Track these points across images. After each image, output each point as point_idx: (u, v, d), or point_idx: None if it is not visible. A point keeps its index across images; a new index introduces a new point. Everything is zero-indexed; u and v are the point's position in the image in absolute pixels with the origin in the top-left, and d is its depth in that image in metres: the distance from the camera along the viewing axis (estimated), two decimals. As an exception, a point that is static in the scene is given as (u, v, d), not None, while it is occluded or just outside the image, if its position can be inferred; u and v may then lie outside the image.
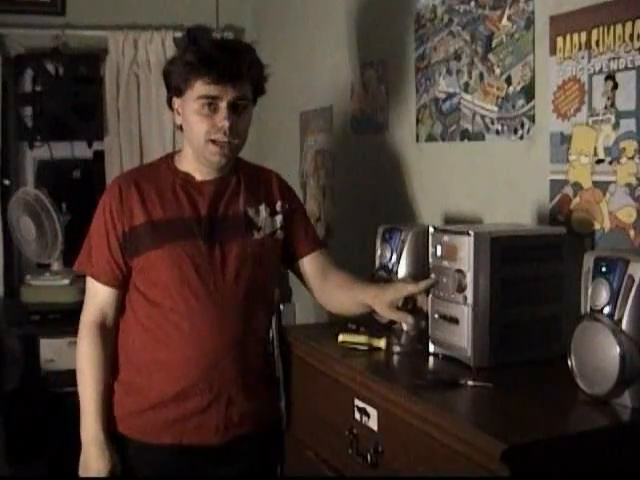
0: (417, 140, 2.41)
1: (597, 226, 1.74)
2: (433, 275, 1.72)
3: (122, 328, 1.97)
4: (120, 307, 1.96)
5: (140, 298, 1.92)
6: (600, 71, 1.71)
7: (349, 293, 1.95)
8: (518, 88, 1.96)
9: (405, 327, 1.92)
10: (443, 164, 2.30)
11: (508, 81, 1.99)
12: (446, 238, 1.68)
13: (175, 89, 1.92)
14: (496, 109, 2.04)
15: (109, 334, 1.95)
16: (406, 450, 1.49)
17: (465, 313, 1.61)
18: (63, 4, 3.69)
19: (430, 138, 2.34)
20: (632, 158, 1.64)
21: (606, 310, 1.37)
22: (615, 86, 1.68)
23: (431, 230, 1.74)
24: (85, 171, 3.92)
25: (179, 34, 3.66)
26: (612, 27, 1.68)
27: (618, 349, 1.33)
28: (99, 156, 3.80)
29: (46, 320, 3.32)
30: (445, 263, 1.67)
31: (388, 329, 1.95)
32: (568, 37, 1.79)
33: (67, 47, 3.62)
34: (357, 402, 1.66)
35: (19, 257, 3.73)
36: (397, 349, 1.80)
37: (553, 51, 1.84)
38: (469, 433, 1.29)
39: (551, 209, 1.87)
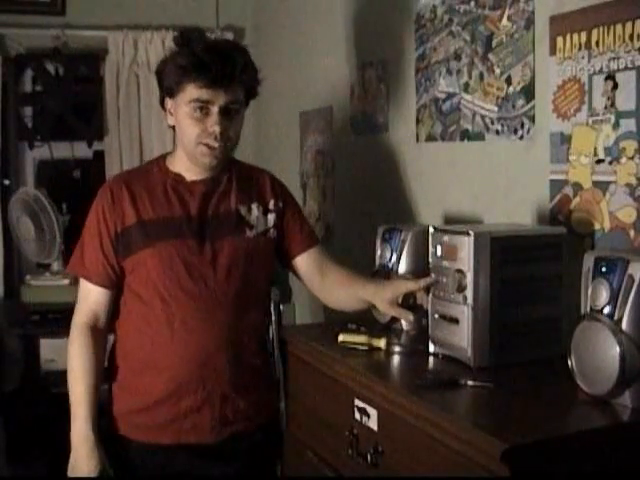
0: (417, 140, 2.41)
1: (597, 226, 1.74)
2: (433, 275, 1.72)
3: (117, 329, 1.98)
4: (112, 309, 1.97)
5: (133, 299, 1.93)
6: (600, 71, 1.71)
7: (349, 290, 1.95)
8: (518, 88, 1.96)
9: (405, 324, 1.92)
10: (443, 164, 2.30)
11: (508, 81, 1.99)
12: (446, 238, 1.68)
13: (167, 90, 1.92)
14: (496, 109, 2.04)
15: (100, 335, 1.96)
16: (406, 450, 1.49)
17: (465, 313, 1.61)
18: (63, 4, 3.69)
19: (430, 138, 2.34)
20: (632, 158, 1.65)
21: (606, 310, 1.37)
22: (615, 86, 1.68)
23: (431, 230, 1.74)
24: (85, 171, 3.92)
25: (176, 35, 3.66)
26: (612, 27, 1.68)
27: (618, 349, 1.33)
28: (99, 156, 3.80)
29: (46, 320, 3.32)
30: (445, 263, 1.67)
31: (388, 329, 1.95)
32: (568, 37, 1.79)
33: (67, 47, 3.62)
34: (357, 402, 1.66)
35: (19, 257, 3.73)
36: (397, 349, 1.81)
37: (553, 51, 1.84)
38: (469, 433, 1.29)
39: (551, 209, 1.87)
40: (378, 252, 2.06)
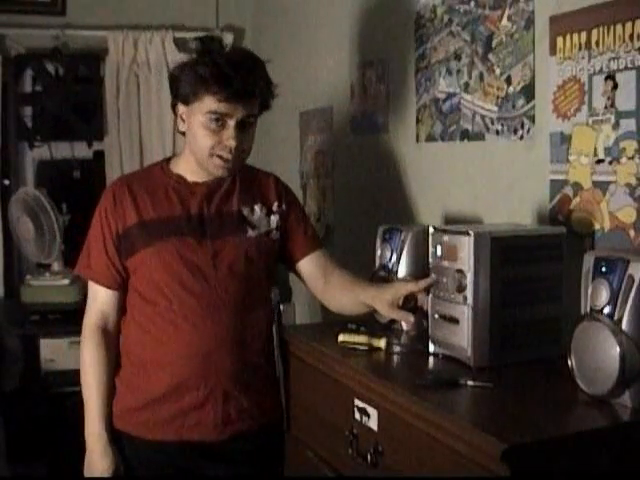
0: (417, 140, 2.41)
1: (597, 226, 1.74)
2: (433, 275, 1.72)
3: (122, 327, 2.00)
4: (121, 309, 1.99)
5: (136, 297, 1.95)
6: (600, 71, 1.71)
7: (350, 294, 1.96)
8: (518, 88, 1.96)
9: (406, 326, 1.92)
10: (443, 164, 2.30)
11: (508, 81, 1.99)
12: (446, 238, 1.68)
13: (182, 97, 1.90)
14: (496, 109, 2.04)
15: (111, 336, 1.99)
16: (406, 450, 1.49)
17: (465, 313, 1.61)
18: (63, 4, 3.69)
19: (430, 138, 2.34)
20: (632, 158, 1.65)
21: (606, 310, 1.37)
22: (615, 86, 1.68)
23: (431, 230, 1.74)
24: (85, 171, 3.92)
25: (179, 34, 3.66)
26: (612, 27, 1.68)
27: (618, 349, 1.33)
28: (99, 156, 3.80)
29: (46, 320, 3.32)
30: (445, 263, 1.67)
31: (388, 329, 1.95)
32: (568, 37, 1.79)
33: (67, 47, 3.62)
34: (357, 402, 1.66)
35: (19, 257, 3.73)
36: (397, 349, 1.80)
37: (553, 51, 1.84)
38: (469, 433, 1.29)
39: (551, 209, 1.87)
40: (378, 252, 2.06)
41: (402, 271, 1.98)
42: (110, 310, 1.98)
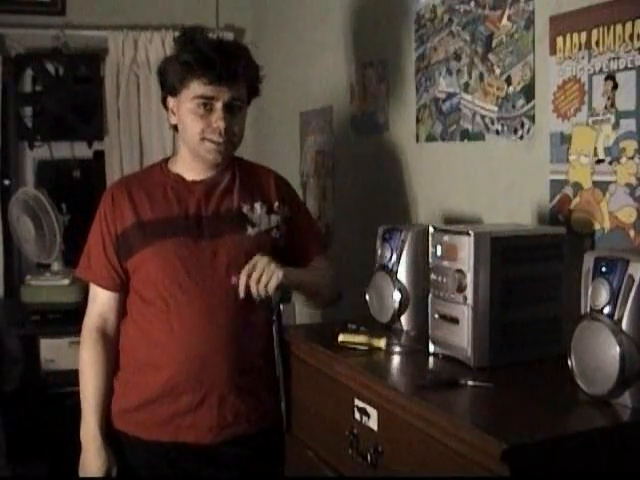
0: (417, 140, 2.41)
1: (597, 226, 1.73)
2: (433, 275, 1.72)
3: (121, 328, 2.01)
4: (121, 310, 2.00)
5: (136, 298, 1.96)
6: (600, 71, 1.71)
7: None
8: (518, 88, 1.96)
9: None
10: (443, 164, 2.30)
11: (508, 81, 1.99)
12: (446, 238, 1.68)
13: (170, 88, 1.94)
14: (496, 109, 2.04)
15: (110, 338, 1.99)
16: (406, 450, 1.49)
17: (465, 313, 1.61)
18: (63, 4, 3.69)
19: (430, 138, 2.34)
20: (632, 158, 1.64)
21: (606, 310, 1.37)
22: (615, 86, 1.68)
23: (431, 230, 1.74)
24: (85, 171, 3.92)
25: (179, 34, 3.66)
26: (612, 27, 1.68)
27: (618, 349, 1.33)
28: (99, 156, 3.80)
29: (46, 320, 3.33)
30: (445, 263, 1.67)
31: (388, 329, 1.95)
32: (568, 37, 1.79)
33: (67, 47, 3.63)
34: (357, 402, 1.66)
35: (19, 257, 3.73)
36: (397, 349, 1.80)
37: (553, 51, 1.84)
38: (469, 433, 1.29)
39: (551, 209, 1.87)
40: (378, 252, 2.06)
41: (402, 271, 1.98)
42: (109, 312, 1.99)
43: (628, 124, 1.65)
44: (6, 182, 3.70)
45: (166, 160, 2.07)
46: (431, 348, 1.74)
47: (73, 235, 3.45)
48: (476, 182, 2.15)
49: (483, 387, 1.49)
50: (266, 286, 1.81)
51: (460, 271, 1.62)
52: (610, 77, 1.69)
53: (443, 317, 1.68)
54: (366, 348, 1.80)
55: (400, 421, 1.49)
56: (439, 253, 1.69)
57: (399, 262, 1.98)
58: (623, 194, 1.67)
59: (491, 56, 2.05)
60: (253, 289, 1.82)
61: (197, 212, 1.94)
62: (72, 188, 3.90)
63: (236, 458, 1.94)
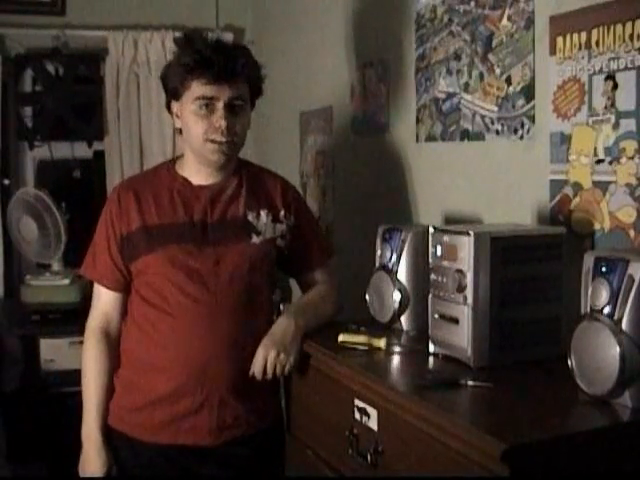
0: (417, 140, 2.41)
1: (597, 226, 1.73)
2: (433, 275, 1.72)
3: (123, 328, 2.01)
4: (125, 311, 2.01)
5: (138, 299, 1.96)
6: (600, 71, 1.71)
7: None
8: (518, 88, 1.96)
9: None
10: (443, 164, 2.30)
11: (508, 81, 1.99)
12: (446, 238, 1.68)
13: (173, 92, 1.94)
14: (496, 109, 2.04)
15: (112, 338, 1.99)
16: (406, 450, 1.49)
17: (465, 313, 1.61)
18: (63, 4, 3.69)
19: (430, 138, 2.34)
20: (632, 158, 1.64)
21: (606, 310, 1.37)
22: (615, 86, 1.68)
23: (431, 230, 1.74)
24: (85, 171, 3.92)
25: (179, 34, 3.65)
26: (612, 27, 1.68)
27: (618, 349, 1.33)
28: (99, 156, 3.80)
29: (46, 320, 3.32)
30: (445, 263, 1.67)
31: (388, 329, 1.95)
32: (568, 37, 1.79)
33: (67, 47, 3.62)
34: (357, 402, 1.66)
35: (19, 257, 3.73)
36: (397, 349, 1.80)
37: (553, 51, 1.84)
38: (469, 433, 1.29)
39: (551, 209, 1.87)
40: (378, 252, 2.06)
41: (402, 271, 1.98)
42: (113, 312, 1.99)
43: (628, 124, 1.65)
44: (6, 182, 3.70)
45: (173, 161, 2.06)
46: (431, 348, 1.74)
47: (73, 235, 3.46)
48: (476, 182, 2.15)
49: (483, 387, 1.49)
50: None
51: (460, 271, 1.62)
52: (610, 77, 1.69)
53: (443, 317, 1.69)
54: (366, 348, 1.80)
55: (400, 421, 1.49)
56: (439, 253, 1.69)
57: (399, 262, 1.98)
58: (623, 194, 1.67)
59: (491, 56, 2.05)
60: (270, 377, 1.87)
61: (202, 218, 1.93)
62: (72, 188, 3.90)
63: (236, 457, 1.94)
